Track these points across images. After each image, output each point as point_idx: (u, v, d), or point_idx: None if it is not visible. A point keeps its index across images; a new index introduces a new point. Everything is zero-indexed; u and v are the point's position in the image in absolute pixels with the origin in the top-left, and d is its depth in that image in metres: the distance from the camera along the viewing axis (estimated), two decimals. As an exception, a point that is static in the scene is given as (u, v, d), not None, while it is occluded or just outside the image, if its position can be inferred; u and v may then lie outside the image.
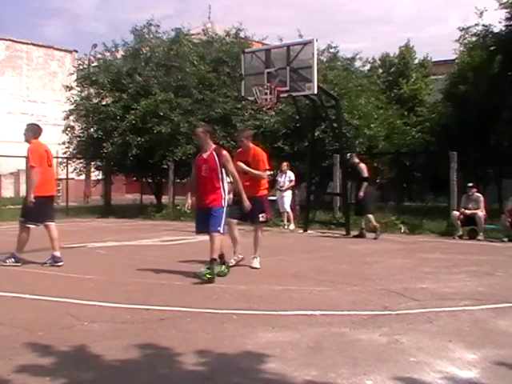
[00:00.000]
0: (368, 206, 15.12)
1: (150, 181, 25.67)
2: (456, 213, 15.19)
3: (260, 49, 18.37)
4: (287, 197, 17.27)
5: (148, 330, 5.47)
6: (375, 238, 14.51)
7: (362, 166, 15.33)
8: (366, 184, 15.05)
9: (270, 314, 6.12)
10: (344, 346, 5.02)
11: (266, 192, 9.89)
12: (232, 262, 9.36)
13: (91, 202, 30.60)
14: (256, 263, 9.45)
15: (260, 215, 9.48)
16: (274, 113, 21.66)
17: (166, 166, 21.66)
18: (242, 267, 9.47)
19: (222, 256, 8.80)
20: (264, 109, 18.51)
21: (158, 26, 24.40)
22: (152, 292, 7.27)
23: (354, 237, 15.17)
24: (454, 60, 25.47)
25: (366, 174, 15.20)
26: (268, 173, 10.53)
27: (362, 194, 14.87)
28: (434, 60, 33.56)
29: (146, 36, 24.48)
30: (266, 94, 15.26)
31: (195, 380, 4.24)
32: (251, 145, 9.81)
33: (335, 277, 8.58)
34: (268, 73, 15.43)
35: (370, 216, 15.04)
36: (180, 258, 10.60)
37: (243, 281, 8.11)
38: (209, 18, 39.82)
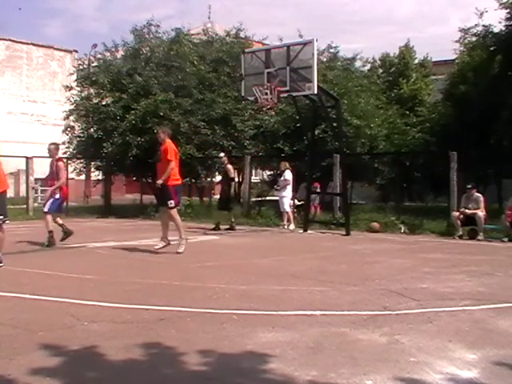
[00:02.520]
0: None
1: (149, 181, 25.64)
2: (456, 213, 15.23)
3: (260, 49, 18.38)
4: (286, 197, 17.25)
5: (148, 330, 5.48)
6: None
7: (230, 166, 17.05)
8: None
9: (269, 314, 6.13)
10: (344, 345, 5.02)
11: (175, 182, 11.47)
12: (159, 245, 11.24)
13: (91, 202, 30.60)
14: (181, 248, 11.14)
15: (168, 201, 11.22)
16: (274, 113, 21.70)
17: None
18: (242, 267, 9.49)
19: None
20: (264, 109, 18.55)
21: (158, 26, 24.40)
22: (152, 292, 7.28)
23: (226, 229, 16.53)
24: (454, 60, 25.48)
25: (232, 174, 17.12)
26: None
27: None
28: (433, 60, 33.57)
29: (146, 36, 24.44)
30: (266, 94, 15.28)
31: (197, 380, 4.25)
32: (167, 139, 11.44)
33: (335, 277, 8.59)
34: (268, 73, 15.44)
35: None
36: (179, 258, 10.62)
37: (243, 281, 8.12)
38: (209, 17, 39.86)
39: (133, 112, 21.30)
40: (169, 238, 11.45)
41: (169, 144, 11.44)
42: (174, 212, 11.40)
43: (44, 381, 4.08)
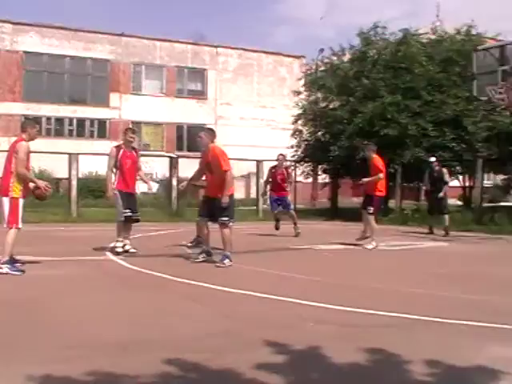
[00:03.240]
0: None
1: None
2: None
3: (493, 45, 17.47)
4: None
5: (374, 335, 5.35)
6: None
7: (445, 170, 16.80)
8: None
9: (505, 328, 5.68)
10: None
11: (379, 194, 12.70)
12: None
13: (318, 204, 31.07)
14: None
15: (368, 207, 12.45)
16: (509, 113, 20.42)
17: (393, 170, 21.33)
18: (474, 275, 8.98)
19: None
20: (498, 109, 17.47)
21: (385, 27, 24.09)
22: (377, 297, 7.12)
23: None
24: None
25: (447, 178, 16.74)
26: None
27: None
28: None
29: (373, 38, 24.27)
30: (500, 93, 14.44)
31: None
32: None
33: None
34: (503, 71, 14.59)
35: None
36: (407, 265, 10.37)
37: (475, 290, 7.64)
38: (437, 16, 38.59)
39: (360, 115, 21.28)
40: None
41: (376, 159, 12.60)
42: (372, 218, 12.81)
43: (269, 377, 4.11)
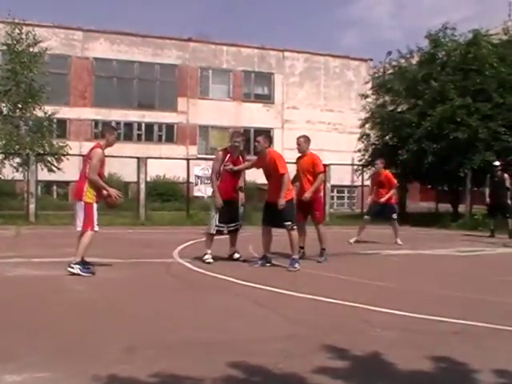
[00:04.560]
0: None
1: (445, 188, 25.03)
2: None
3: None
4: None
5: (441, 342, 5.22)
6: None
7: (506, 175, 16.92)
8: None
9: None
10: None
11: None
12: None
13: (385, 208, 30.68)
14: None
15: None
16: None
17: (462, 174, 20.91)
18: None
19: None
20: None
21: (454, 28, 23.61)
22: (445, 304, 6.96)
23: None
24: None
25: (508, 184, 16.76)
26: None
27: None
28: None
29: (442, 40, 23.82)
30: None
31: None
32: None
33: None
34: None
35: None
36: (476, 271, 10.15)
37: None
38: (509, 15, 37.65)
39: (428, 118, 20.96)
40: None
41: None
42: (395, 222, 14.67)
43: (333, 382, 4.08)
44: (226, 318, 6.05)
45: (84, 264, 8.43)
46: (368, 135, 25.05)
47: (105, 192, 8.70)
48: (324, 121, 39.35)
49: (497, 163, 17.35)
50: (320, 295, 7.13)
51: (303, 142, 10.43)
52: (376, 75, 27.14)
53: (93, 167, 8.53)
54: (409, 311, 6.35)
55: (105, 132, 9.10)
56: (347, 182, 33.50)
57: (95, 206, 8.58)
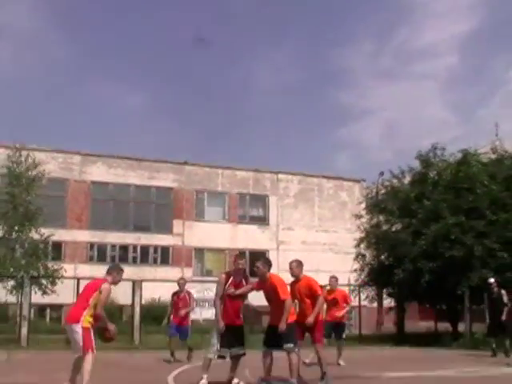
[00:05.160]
0: None
1: (444, 307, 24.77)
2: None
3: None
4: None
5: None
6: None
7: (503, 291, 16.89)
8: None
9: None
10: None
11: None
12: None
13: (384, 329, 30.23)
14: None
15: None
16: None
17: (460, 292, 20.76)
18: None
19: None
20: None
21: (444, 148, 24.21)
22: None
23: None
24: None
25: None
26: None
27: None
28: None
29: (432, 160, 24.37)
30: None
31: None
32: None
33: None
34: None
35: None
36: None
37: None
38: (496, 135, 38.66)
39: (423, 237, 21.09)
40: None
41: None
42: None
43: None
44: None
45: None
46: (363, 255, 25.07)
47: (105, 326, 8.71)
48: (319, 241, 39.41)
49: (491, 280, 17.36)
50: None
51: (295, 267, 10.26)
52: (369, 195, 27.50)
53: (102, 303, 8.60)
54: None
55: (112, 270, 9.09)
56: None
57: (91, 330, 8.51)
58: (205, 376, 9.66)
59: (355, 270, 25.19)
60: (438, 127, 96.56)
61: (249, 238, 37.97)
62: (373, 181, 29.15)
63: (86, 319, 8.45)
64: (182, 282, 14.69)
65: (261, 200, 39.95)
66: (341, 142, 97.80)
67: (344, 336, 14.49)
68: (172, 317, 14.37)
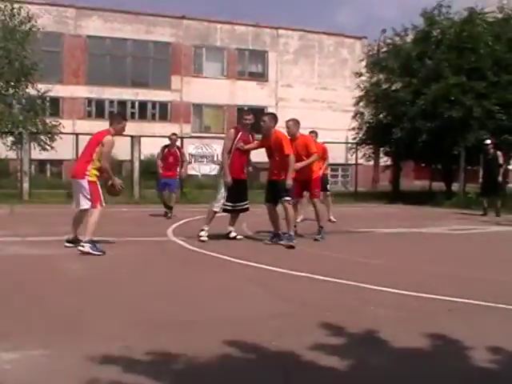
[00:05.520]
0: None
1: (439, 167, 25.07)
2: None
3: None
4: None
5: (436, 320, 5.27)
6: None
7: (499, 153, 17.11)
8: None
9: None
10: None
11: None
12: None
13: (379, 187, 30.80)
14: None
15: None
16: None
17: (456, 153, 20.94)
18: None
19: None
20: None
21: (449, 6, 23.48)
22: (439, 282, 6.99)
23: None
24: None
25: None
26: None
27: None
28: None
29: (437, 18, 23.71)
30: None
31: (482, 377, 3.98)
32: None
33: None
34: None
35: None
36: (470, 249, 10.24)
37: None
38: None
39: (423, 97, 20.93)
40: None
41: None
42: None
43: (327, 359, 4.08)
44: (221, 296, 6.07)
45: (94, 242, 8.44)
46: (362, 113, 25.01)
47: (110, 181, 8.87)
48: (318, 99, 39.21)
49: (488, 141, 17.40)
50: (316, 273, 7.15)
51: (292, 126, 10.41)
52: (370, 53, 27.04)
53: (106, 155, 8.64)
54: (403, 289, 6.38)
55: (113, 121, 9.07)
56: (341, 161, 33.46)
57: (99, 183, 8.64)
58: (206, 228, 9.97)
59: (353, 128, 25.23)
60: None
61: (247, 94, 37.73)
62: (375, 38, 28.58)
63: (92, 173, 8.54)
64: (173, 138, 14.74)
65: (260, 56, 39.36)
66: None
67: (328, 189, 14.37)
68: (161, 170, 14.48)
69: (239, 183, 10.05)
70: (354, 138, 25.24)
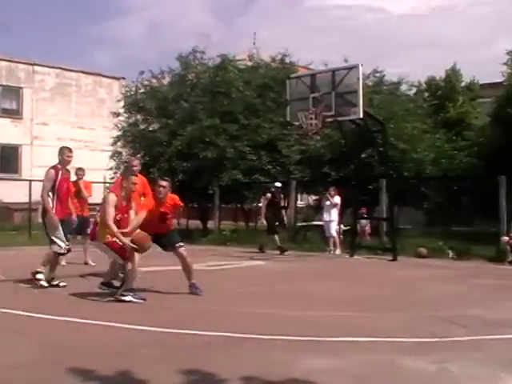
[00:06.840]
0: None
1: (195, 206, 25.80)
2: (506, 238, 14.94)
3: (305, 74, 18.39)
4: (333, 221, 17.19)
5: (195, 355, 5.47)
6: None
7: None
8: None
9: (316, 340, 6.06)
10: (392, 373, 4.94)
11: None
12: None
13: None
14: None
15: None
16: (319, 138, 21.59)
17: (211, 191, 21.74)
18: (288, 292, 9.44)
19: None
20: (309, 134, 18.43)
21: (203, 52, 24.53)
22: (198, 317, 7.27)
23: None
24: (501, 82, 25.06)
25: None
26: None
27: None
28: (481, 83, 32.85)
29: (192, 63, 24.64)
30: (311, 118, 15.26)
31: None
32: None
33: (382, 303, 8.48)
34: (313, 98, 15.44)
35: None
36: (225, 284, 10.65)
37: (290, 307, 8.07)
38: (254, 43, 40.02)
39: (179, 138, 21.46)
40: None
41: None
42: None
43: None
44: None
45: None
46: (120, 153, 24.99)
47: None
48: (75, 138, 38.27)
49: (278, 184, 18.41)
50: (80, 317, 6.99)
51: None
52: (128, 94, 27.26)
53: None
54: (164, 327, 6.52)
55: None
56: (99, 201, 33.08)
57: None
58: (43, 270, 9.57)
59: (111, 168, 25.12)
60: (201, 30, 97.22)
61: (1, 132, 35.98)
62: (133, 79, 28.86)
63: None
64: None
65: (14, 92, 37.82)
66: (102, 36, 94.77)
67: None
68: None
69: (67, 222, 9.87)
70: (112, 178, 25.12)
